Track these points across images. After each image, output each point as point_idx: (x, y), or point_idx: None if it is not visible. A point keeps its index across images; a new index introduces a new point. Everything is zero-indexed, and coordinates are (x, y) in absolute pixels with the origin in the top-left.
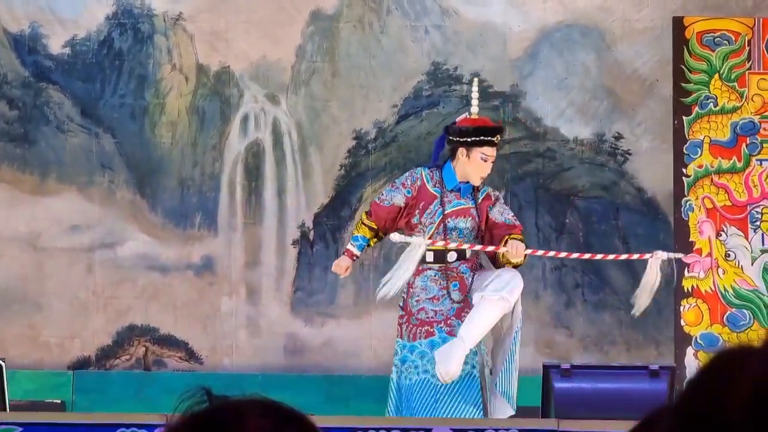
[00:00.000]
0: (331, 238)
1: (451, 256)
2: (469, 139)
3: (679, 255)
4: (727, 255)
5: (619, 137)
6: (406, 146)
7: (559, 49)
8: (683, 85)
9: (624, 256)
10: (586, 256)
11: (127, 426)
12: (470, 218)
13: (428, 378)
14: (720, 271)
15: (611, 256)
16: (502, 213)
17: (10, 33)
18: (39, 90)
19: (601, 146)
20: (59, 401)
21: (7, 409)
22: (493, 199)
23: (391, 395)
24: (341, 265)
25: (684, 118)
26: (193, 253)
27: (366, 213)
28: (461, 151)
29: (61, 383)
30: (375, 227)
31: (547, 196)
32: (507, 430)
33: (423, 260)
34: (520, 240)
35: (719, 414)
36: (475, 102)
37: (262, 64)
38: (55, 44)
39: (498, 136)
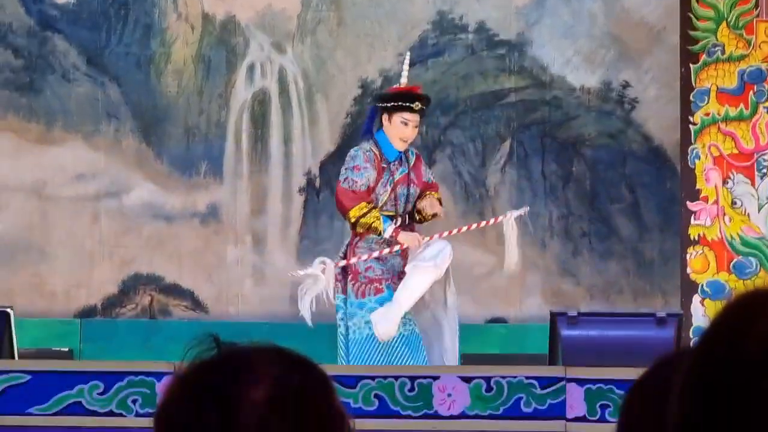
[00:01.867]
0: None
1: (397, 222)
2: (388, 104)
3: (525, 209)
4: (733, 203)
5: (626, 85)
6: None
7: None
8: (690, 32)
9: (483, 224)
10: (454, 231)
11: (135, 374)
12: (412, 184)
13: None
14: (726, 218)
15: (469, 227)
16: (425, 173)
17: None
18: (44, 39)
19: (607, 94)
20: (67, 349)
21: (16, 357)
22: (422, 159)
23: (341, 348)
24: (415, 237)
25: (691, 66)
26: (199, 201)
27: (353, 206)
28: (384, 117)
29: (69, 331)
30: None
31: (553, 145)
32: (514, 376)
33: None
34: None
35: (738, 354)
36: (404, 73)
37: (268, 12)
38: None
39: (418, 102)
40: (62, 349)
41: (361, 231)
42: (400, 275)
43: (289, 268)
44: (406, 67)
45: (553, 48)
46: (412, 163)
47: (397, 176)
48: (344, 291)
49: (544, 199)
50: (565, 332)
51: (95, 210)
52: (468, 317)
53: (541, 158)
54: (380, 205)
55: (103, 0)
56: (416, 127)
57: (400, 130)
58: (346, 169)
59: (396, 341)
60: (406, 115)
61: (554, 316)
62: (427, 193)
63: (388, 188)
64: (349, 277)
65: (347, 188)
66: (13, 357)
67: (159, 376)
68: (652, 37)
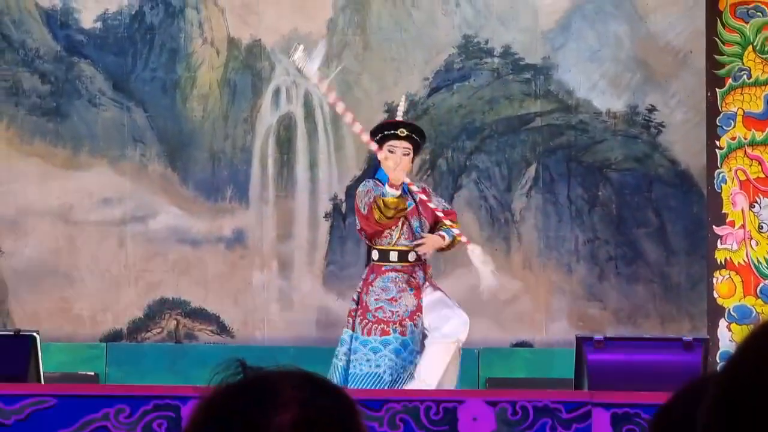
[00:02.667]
0: None
1: (412, 256)
2: (377, 138)
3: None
4: (760, 227)
5: (652, 109)
6: (437, 119)
7: (591, 21)
8: (716, 57)
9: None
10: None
11: (161, 398)
12: (422, 215)
13: (378, 372)
14: (753, 243)
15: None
16: (436, 203)
17: (42, 7)
18: (71, 64)
19: (634, 118)
20: (93, 373)
21: (42, 381)
22: (428, 190)
23: (336, 375)
24: (432, 242)
25: (717, 90)
26: (225, 226)
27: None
28: (378, 153)
29: (94, 355)
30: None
31: (579, 169)
32: (540, 401)
33: (387, 259)
34: (449, 226)
35: (764, 379)
36: (400, 110)
37: (294, 37)
38: (87, 18)
39: (403, 129)
40: (88, 373)
41: (392, 218)
42: (413, 315)
43: (314, 293)
44: (401, 105)
45: (578, 72)
46: (417, 197)
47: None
48: (353, 328)
49: (570, 224)
50: (591, 357)
51: (121, 234)
52: (493, 341)
53: (567, 182)
54: (395, 240)
55: (130, 25)
56: (406, 154)
57: (390, 158)
58: (358, 202)
59: (389, 383)
60: (393, 142)
61: (580, 341)
62: (440, 225)
63: (399, 222)
64: (359, 313)
65: (364, 211)
66: (39, 381)
67: (185, 400)
68: (678, 61)
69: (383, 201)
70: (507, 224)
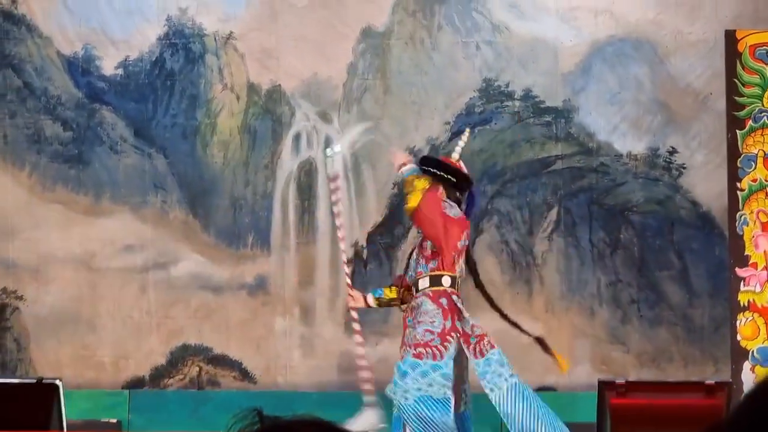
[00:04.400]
0: (384, 257)
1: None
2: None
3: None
4: None
5: (673, 151)
6: None
7: (611, 64)
8: (736, 98)
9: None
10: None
11: None
12: (414, 248)
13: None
14: None
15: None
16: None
17: (63, 55)
18: (92, 111)
19: (655, 161)
20: (115, 420)
21: (65, 429)
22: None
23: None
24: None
25: (738, 131)
26: (246, 272)
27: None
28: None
29: (117, 402)
30: None
31: (601, 212)
32: None
33: (439, 283)
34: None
35: None
36: (458, 149)
37: (314, 82)
38: (108, 65)
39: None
40: (111, 420)
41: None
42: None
43: (337, 339)
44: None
45: (599, 114)
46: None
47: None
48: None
49: (592, 267)
50: (613, 401)
51: (143, 281)
52: None
53: (589, 225)
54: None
55: (150, 71)
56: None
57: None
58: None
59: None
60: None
61: (602, 385)
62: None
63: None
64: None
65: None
66: (62, 429)
67: None
68: (699, 103)
69: None
70: (529, 268)
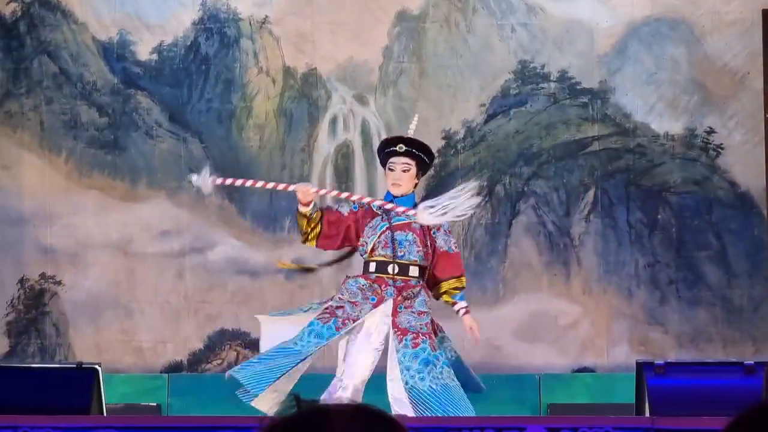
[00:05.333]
0: None
1: (392, 269)
2: (380, 156)
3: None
4: None
5: (710, 131)
6: (494, 145)
7: (648, 44)
8: None
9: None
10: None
11: (223, 428)
12: (411, 232)
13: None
14: None
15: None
16: (446, 241)
17: (99, 41)
18: (128, 96)
19: (692, 141)
20: (155, 404)
21: (105, 413)
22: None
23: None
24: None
25: None
26: (283, 256)
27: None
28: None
29: (156, 386)
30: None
31: (638, 193)
32: (601, 426)
33: (366, 271)
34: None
35: None
36: (411, 129)
37: (349, 65)
38: (143, 51)
39: (402, 144)
40: (150, 404)
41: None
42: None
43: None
44: (412, 124)
45: (636, 95)
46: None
47: (394, 222)
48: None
49: (630, 248)
50: (652, 382)
51: (180, 266)
52: (554, 367)
53: (626, 206)
54: (369, 248)
55: (185, 56)
56: (406, 170)
57: (389, 176)
58: None
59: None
60: (392, 159)
61: (640, 366)
62: (442, 291)
63: (377, 232)
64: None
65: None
66: (102, 413)
67: (246, 430)
68: (736, 82)
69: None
70: (566, 249)
